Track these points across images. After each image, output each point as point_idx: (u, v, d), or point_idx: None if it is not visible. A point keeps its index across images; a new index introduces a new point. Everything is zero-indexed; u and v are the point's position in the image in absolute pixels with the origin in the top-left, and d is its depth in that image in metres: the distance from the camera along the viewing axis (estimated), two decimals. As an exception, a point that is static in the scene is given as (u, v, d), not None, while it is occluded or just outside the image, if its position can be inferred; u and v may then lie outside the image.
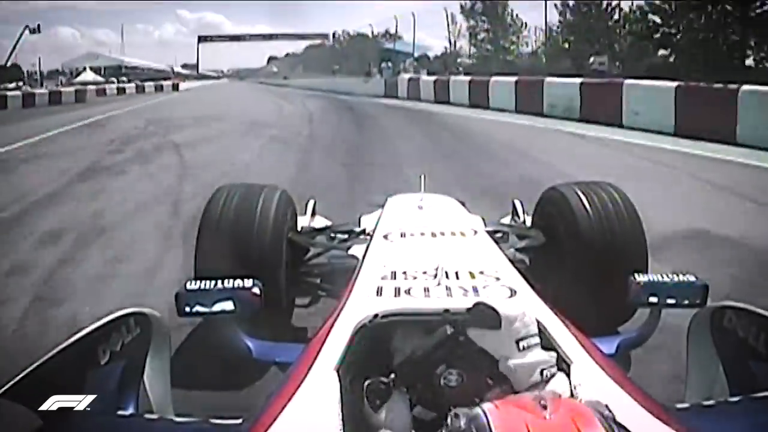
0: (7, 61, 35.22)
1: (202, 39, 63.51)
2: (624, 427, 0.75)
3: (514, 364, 1.14)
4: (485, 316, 1.12)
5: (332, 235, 3.25)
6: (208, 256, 2.48)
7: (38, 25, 37.22)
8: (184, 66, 63.48)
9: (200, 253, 2.50)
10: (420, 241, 2.02)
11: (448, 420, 0.79)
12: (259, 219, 2.53)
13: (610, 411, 0.79)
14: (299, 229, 3.17)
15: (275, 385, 1.16)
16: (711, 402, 1.15)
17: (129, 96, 31.80)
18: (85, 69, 45.32)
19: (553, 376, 1.08)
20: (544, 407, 0.76)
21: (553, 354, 1.12)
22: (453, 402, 1.20)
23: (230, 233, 2.49)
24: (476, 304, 1.15)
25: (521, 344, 1.09)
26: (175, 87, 40.16)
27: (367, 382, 1.16)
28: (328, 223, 3.50)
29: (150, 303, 1.70)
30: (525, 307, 1.31)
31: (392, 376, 1.16)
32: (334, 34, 52.33)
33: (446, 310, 1.32)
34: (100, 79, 41.75)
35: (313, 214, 3.61)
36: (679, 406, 1.10)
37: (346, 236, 3.17)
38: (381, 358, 1.21)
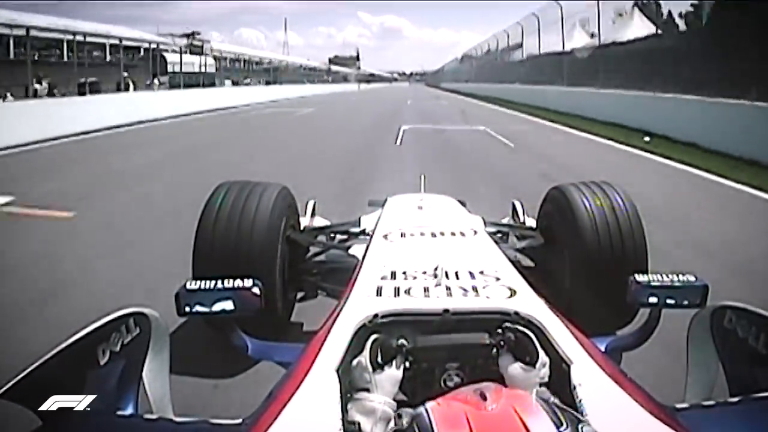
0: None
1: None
2: (569, 412, 0.77)
3: (515, 366, 1.15)
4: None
5: (332, 234, 3.25)
6: (204, 255, 2.48)
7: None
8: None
9: (197, 252, 2.50)
10: (420, 241, 2.02)
11: (392, 421, 0.81)
12: (257, 217, 2.53)
13: (552, 396, 0.80)
14: (302, 228, 3.17)
15: (275, 385, 1.16)
16: (711, 402, 1.15)
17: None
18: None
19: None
20: (484, 398, 0.77)
21: None
22: None
23: (228, 232, 2.49)
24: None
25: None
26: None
27: (376, 336, 1.19)
28: (328, 223, 3.51)
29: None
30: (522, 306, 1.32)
31: (402, 341, 1.19)
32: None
33: (446, 310, 1.32)
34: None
35: (313, 214, 3.61)
36: (679, 406, 1.10)
37: (345, 236, 3.17)
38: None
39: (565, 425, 0.72)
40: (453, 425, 0.72)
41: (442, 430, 0.72)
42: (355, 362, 1.16)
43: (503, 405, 0.76)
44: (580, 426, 0.74)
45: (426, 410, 0.77)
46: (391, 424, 0.81)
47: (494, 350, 1.21)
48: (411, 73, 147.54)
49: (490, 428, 0.71)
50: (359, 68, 63.56)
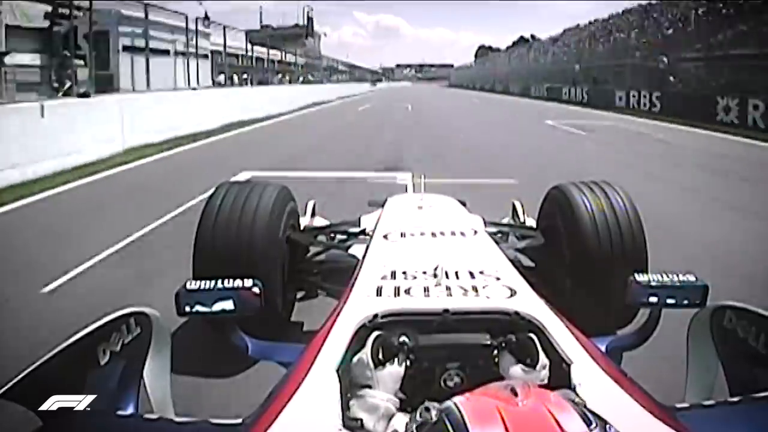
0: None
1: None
2: (595, 413, 0.76)
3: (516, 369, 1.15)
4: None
5: (332, 234, 3.25)
6: (205, 255, 2.48)
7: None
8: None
9: (198, 252, 2.50)
10: (420, 241, 2.02)
11: (417, 413, 0.79)
12: (257, 217, 2.53)
13: (581, 398, 0.80)
14: (302, 228, 3.17)
15: (275, 385, 1.16)
16: (711, 402, 1.15)
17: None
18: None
19: None
20: (515, 394, 0.76)
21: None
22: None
23: (228, 232, 2.49)
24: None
25: None
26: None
27: (378, 333, 1.19)
28: (328, 223, 3.50)
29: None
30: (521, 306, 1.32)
31: (404, 338, 1.19)
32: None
33: (446, 310, 1.32)
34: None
35: (313, 214, 3.61)
36: (679, 406, 1.10)
37: (345, 236, 3.17)
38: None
39: (594, 424, 0.72)
40: (485, 419, 0.71)
41: (475, 424, 0.71)
42: (356, 359, 1.16)
43: (534, 401, 0.75)
44: (607, 426, 0.73)
45: (455, 404, 0.76)
46: (416, 416, 0.79)
47: (495, 351, 1.21)
48: (418, 66, 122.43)
49: (524, 423, 0.70)
50: (319, 55, 43.95)
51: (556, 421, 0.70)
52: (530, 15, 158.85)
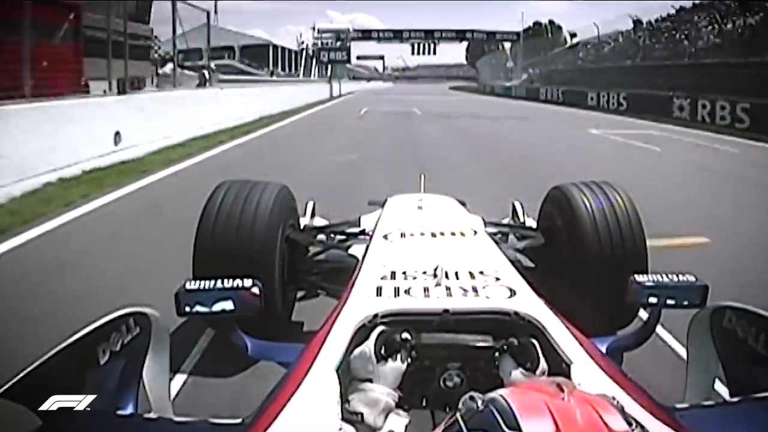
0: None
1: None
2: (633, 417, 0.76)
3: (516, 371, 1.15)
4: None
5: (332, 234, 3.25)
6: (204, 255, 2.48)
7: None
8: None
9: (198, 252, 2.49)
10: (420, 241, 2.02)
11: (460, 404, 0.79)
12: (257, 217, 2.52)
13: (618, 402, 0.80)
14: (302, 228, 3.17)
15: (275, 385, 1.16)
16: (711, 402, 1.15)
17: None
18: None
19: None
20: (561, 390, 0.76)
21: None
22: (452, 403, 1.21)
23: (228, 232, 2.49)
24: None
25: None
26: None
27: (381, 329, 1.20)
28: (328, 223, 3.50)
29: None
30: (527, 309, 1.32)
31: (406, 335, 1.20)
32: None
33: (446, 310, 1.32)
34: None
35: (313, 214, 3.61)
36: (679, 406, 1.10)
37: (345, 236, 3.17)
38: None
39: (634, 425, 0.72)
40: (534, 411, 0.71)
41: (524, 415, 0.71)
42: (358, 351, 1.16)
43: (580, 398, 0.75)
44: (644, 430, 0.74)
45: (501, 396, 0.76)
46: (460, 406, 0.79)
47: (496, 353, 1.21)
48: (399, 69, 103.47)
49: (572, 418, 0.70)
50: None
51: (602, 419, 0.71)
52: (503, 15, 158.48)
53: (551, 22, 53.38)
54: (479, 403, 0.76)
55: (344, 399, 1.07)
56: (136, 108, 9.00)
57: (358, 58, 63.64)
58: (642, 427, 0.73)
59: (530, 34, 47.06)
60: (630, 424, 0.72)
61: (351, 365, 1.17)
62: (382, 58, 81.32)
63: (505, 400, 0.74)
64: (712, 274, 2.00)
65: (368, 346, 1.16)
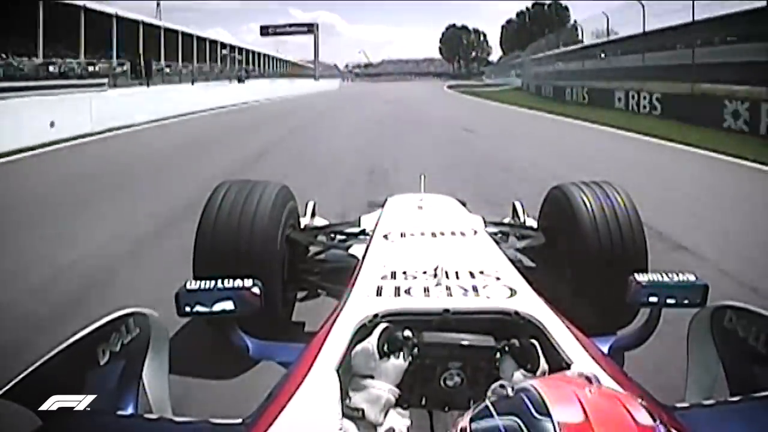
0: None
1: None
2: (657, 414, 0.77)
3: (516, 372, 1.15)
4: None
5: (332, 234, 3.25)
6: (205, 255, 2.48)
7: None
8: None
9: (198, 252, 2.49)
10: (420, 241, 2.02)
11: (489, 391, 0.80)
12: (257, 217, 2.52)
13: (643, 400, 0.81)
14: (302, 227, 3.17)
15: (275, 385, 1.16)
16: (711, 402, 1.15)
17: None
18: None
19: None
20: (590, 381, 0.78)
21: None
22: (451, 403, 1.21)
23: (228, 232, 2.49)
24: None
25: None
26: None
27: (384, 326, 1.20)
28: (328, 223, 3.50)
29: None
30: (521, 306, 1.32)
31: (408, 333, 1.20)
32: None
33: (446, 310, 1.32)
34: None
35: (313, 214, 3.61)
36: (679, 405, 1.10)
37: (345, 236, 3.17)
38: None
39: (658, 421, 0.73)
40: (564, 400, 0.72)
41: (555, 404, 0.72)
42: (360, 347, 1.17)
43: (607, 391, 0.77)
44: (668, 427, 0.75)
45: (531, 385, 0.77)
46: (489, 393, 0.79)
47: (497, 353, 1.21)
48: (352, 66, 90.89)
49: (601, 409, 0.71)
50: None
51: (629, 412, 0.72)
52: (472, 11, 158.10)
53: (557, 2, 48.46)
54: (509, 390, 0.78)
55: (345, 395, 1.07)
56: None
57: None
58: (665, 425, 0.74)
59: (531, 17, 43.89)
60: (654, 420, 0.73)
61: (353, 361, 1.17)
62: (311, 26, 63.37)
63: (535, 389, 0.75)
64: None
65: (371, 342, 1.16)
